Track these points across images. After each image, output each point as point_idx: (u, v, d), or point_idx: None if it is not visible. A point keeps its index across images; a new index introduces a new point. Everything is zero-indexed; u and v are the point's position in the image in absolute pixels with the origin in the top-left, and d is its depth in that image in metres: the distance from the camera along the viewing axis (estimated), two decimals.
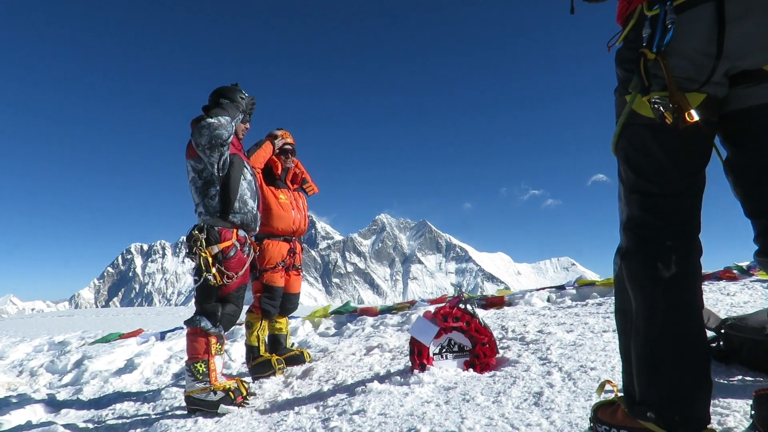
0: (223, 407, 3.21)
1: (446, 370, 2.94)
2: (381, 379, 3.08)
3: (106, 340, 7.24)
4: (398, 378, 2.93)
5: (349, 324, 6.24)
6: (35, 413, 4.12)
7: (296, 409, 2.89)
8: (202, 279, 3.24)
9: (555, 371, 2.45)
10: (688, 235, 1.46)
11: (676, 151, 1.44)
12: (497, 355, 3.07)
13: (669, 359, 1.40)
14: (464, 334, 3.06)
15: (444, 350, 3.07)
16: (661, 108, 1.34)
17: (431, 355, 3.05)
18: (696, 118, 1.29)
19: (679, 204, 1.46)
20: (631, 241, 1.51)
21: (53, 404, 4.42)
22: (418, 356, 3.04)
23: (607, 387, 1.69)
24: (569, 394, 2.10)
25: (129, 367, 5.54)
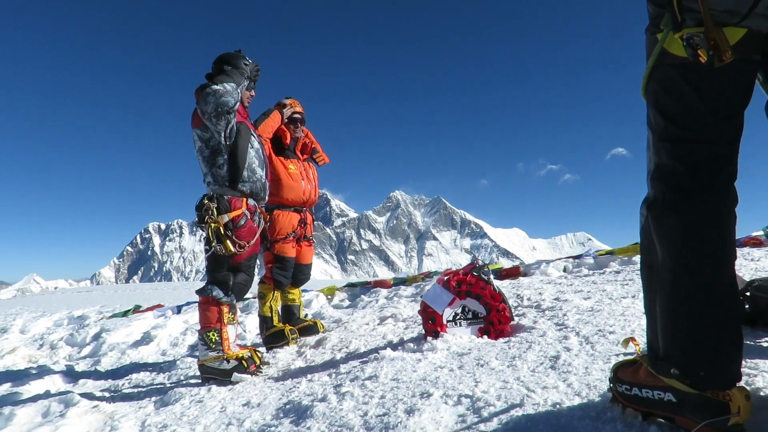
0: (236, 375, 3.21)
1: (460, 336, 2.89)
2: (394, 346, 3.04)
3: (123, 314, 7.33)
4: (411, 345, 2.89)
5: (362, 296, 6.22)
6: (54, 383, 4.18)
7: (309, 376, 2.87)
8: (212, 248, 3.21)
9: (572, 336, 2.38)
10: (722, 184, 1.35)
11: (711, 92, 1.32)
12: (512, 322, 3.00)
13: (696, 312, 1.31)
14: (478, 300, 3.00)
15: (458, 317, 3.01)
16: (695, 45, 1.23)
17: (445, 322, 3.00)
18: (733, 56, 1.18)
19: (713, 151, 1.34)
20: (659, 190, 1.41)
21: (71, 375, 4.49)
22: (432, 323, 2.99)
23: (630, 347, 1.61)
24: (587, 357, 2.03)
25: (146, 339, 5.61)
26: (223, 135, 3.24)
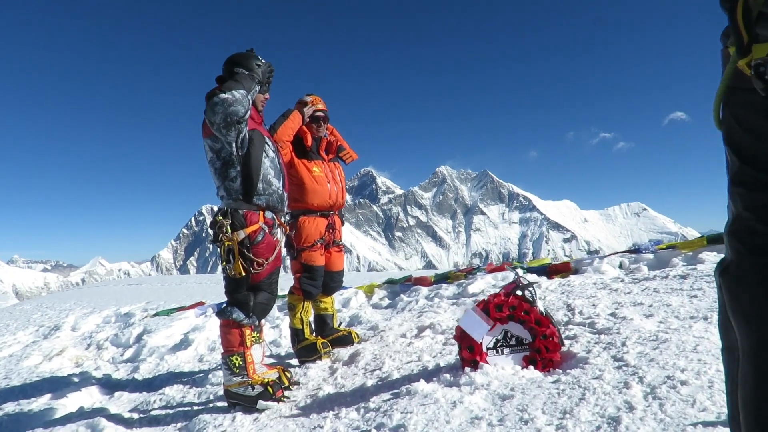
0: (261, 403, 3.01)
1: (502, 368, 2.56)
2: (428, 375, 2.75)
3: (166, 313, 7.37)
4: (447, 376, 2.58)
5: (402, 295, 5.95)
6: (91, 396, 4.16)
7: (336, 410, 2.64)
8: (228, 269, 2.99)
9: (634, 382, 2.00)
10: None
11: None
12: (562, 349, 2.64)
13: None
14: (522, 324, 2.65)
15: (499, 344, 2.68)
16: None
17: (485, 350, 2.67)
18: None
19: None
20: (734, 251, 1.04)
21: (109, 385, 4.49)
22: (470, 351, 2.67)
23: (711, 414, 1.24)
24: (655, 424, 1.66)
25: (184, 343, 5.58)
26: (234, 145, 2.98)
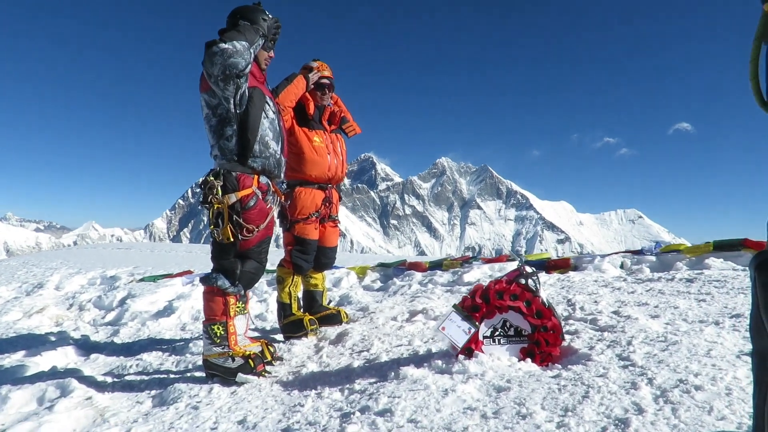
0: (241, 376, 2.86)
1: (498, 358, 2.41)
2: (419, 360, 2.60)
3: (152, 279, 7.21)
4: (439, 362, 2.43)
5: (395, 279, 5.79)
6: (66, 356, 4.02)
7: (318, 389, 2.49)
8: (215, 233, 2.82)
9: (643, 384, 1.85)
10: None
11: None
12: (562, 344, 2.50)
13: None
14: (523, 315, 2.50)
15: (497, 333, 2.52)
16: None
17: (481, 338, 2.52)
18: None
19: None
20: None
21: (86, 346, 4.34)
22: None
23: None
24: (668, 430, 1.51)
25: (168, 310, 5.44)
26: (232, 102, 2.79)
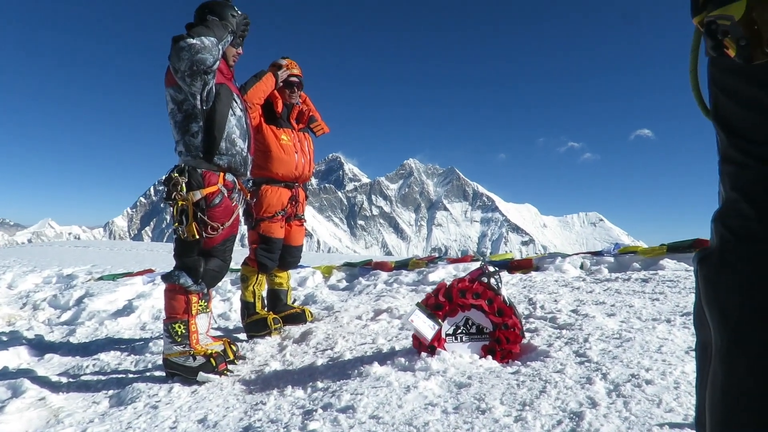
0: (202, 375, 2.83)
1: (460, 356, 2.45)
2: (382, 358, 2.62)
3: (112, 278, 7.01)
4: (402, 360, 2.46)
5: (361, 278, 5.80)
6: (18, 357, 3.87)
7: (281, 387, 2.49)
8: (177, 230, 2.78)
9: (597, 378, 1.92)
10: None
11: None
12: (522, 341, 2.56)
13: (757, 425, 0.84)
14: (485, 313, 2.55)
15: (459, 331, 2.56)
16: (721, 34, 0.80)
17: (444, 335, 2.55)
18: None
19: None
20: (719, 237, 0.92)
21: (40, 346, 4.20)
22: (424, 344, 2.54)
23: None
24: (619, 422, 1.57)
25: (127, 309, 5.30)
26: (198, 98, 2.76)
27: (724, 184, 0.93)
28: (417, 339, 2.56)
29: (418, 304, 2.61)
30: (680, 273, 4.19)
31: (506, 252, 6.28)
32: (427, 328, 2.47)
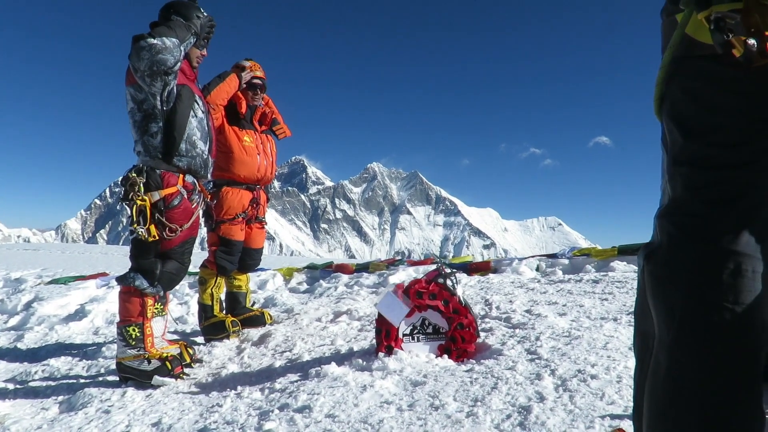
0: (156, 379, 2.78)
1: (416, 355, 2.51)
2: (340, 359, 2.65)
3: (63, 281, 6.78)
4: (360, 361, 2.49)
5: (321, 281, 5.81)
6: None
7: (239, 389, 2.47)
8: (139, 231, 2.73)
9: (546, 374, 2.00)
10: (755, 232, 0.92)
11: (756, 96, 0.89)
12: (477, 340, 2.63)
13: (699, 417, 0.89)
14: (441, 313, 2.61)
15: (416, 331, 2.62)
16: (728, 32, 0.81)
17: (401, 335, 2.60)
18: None
19: (752, 182, 0.91)
20: (665, 233, 0.97)
21: None
22: (386, 337, 2.59)
23: None
24: (564, 414, 1.65)
25: (79, 313, 5.13)
26: (159, 98, 2.72)
27: (675, 183, 0.97)
28: (379, 333, 2.60)
29: (388, 293, 2.65)
30: (629, 274, 4.38)
31: (467, 255, 6.38)
32: (396, 311, 2.52)
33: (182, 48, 2.72)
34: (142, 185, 2.75)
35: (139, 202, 2.74)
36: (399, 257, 7.47)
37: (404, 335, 2.60)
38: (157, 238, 2.76)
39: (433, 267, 5.41)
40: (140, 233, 2.71)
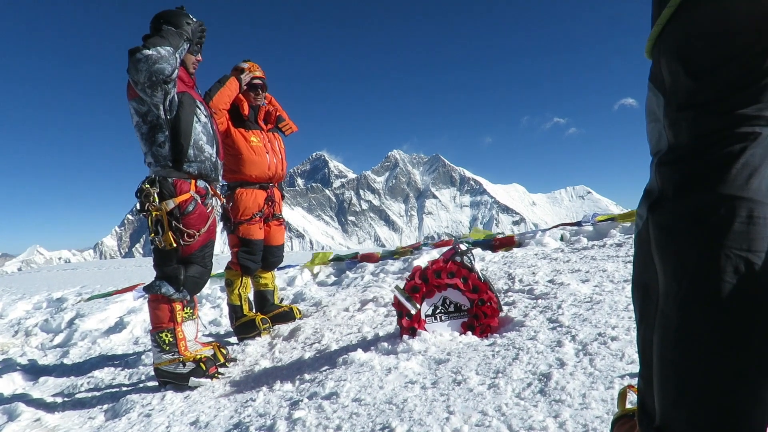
0: (193, 380, 2.88)
1: (440, 334, 2.53)
2: (366, 345, 2.69)
3: (102, 296, 7.01)
4: (385, 345, 2.53)
5: (348, 272, 5.86)
6: (12, 383, 3.88)
7: (271, 383, 2.54)
8: (156, 240, 2.81)
9: (567, 341, 2.00)
10: (766, 178, 0.85)
11: None
12: (500, 314, 2.63)
13: (715, 370, 0.86)
14: (461, 291, 2.62)
15: (438, 311, 2.64)
16: None
17: (423, 317, 2.62)
18: None
19: (760, 124, 0.84)
20: (670, 184, 0.91)
21: (34, 371, 4.21)
22: (408, 319, 2.62)
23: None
24: (584, 378, 1.65)
25: (119, 326, 5.32)
26: (162, 108, 2.78)
27: (677, 129, 0.91)
28: (400, 316, 2.63)
29: (396, 287, 2.68)
30: None
31: (498, 233, 6.33)
32: (410, 304, 2.56)
33: (177, 55, 2.77)
34: (156, 195, 2.82)
35: (155, 213, 2.82)
36: (427, 242, 7.47)
37: (426, 316, 2.63)
38: (176, 245, 2.83)
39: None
40: (158, 242, 2.78)
